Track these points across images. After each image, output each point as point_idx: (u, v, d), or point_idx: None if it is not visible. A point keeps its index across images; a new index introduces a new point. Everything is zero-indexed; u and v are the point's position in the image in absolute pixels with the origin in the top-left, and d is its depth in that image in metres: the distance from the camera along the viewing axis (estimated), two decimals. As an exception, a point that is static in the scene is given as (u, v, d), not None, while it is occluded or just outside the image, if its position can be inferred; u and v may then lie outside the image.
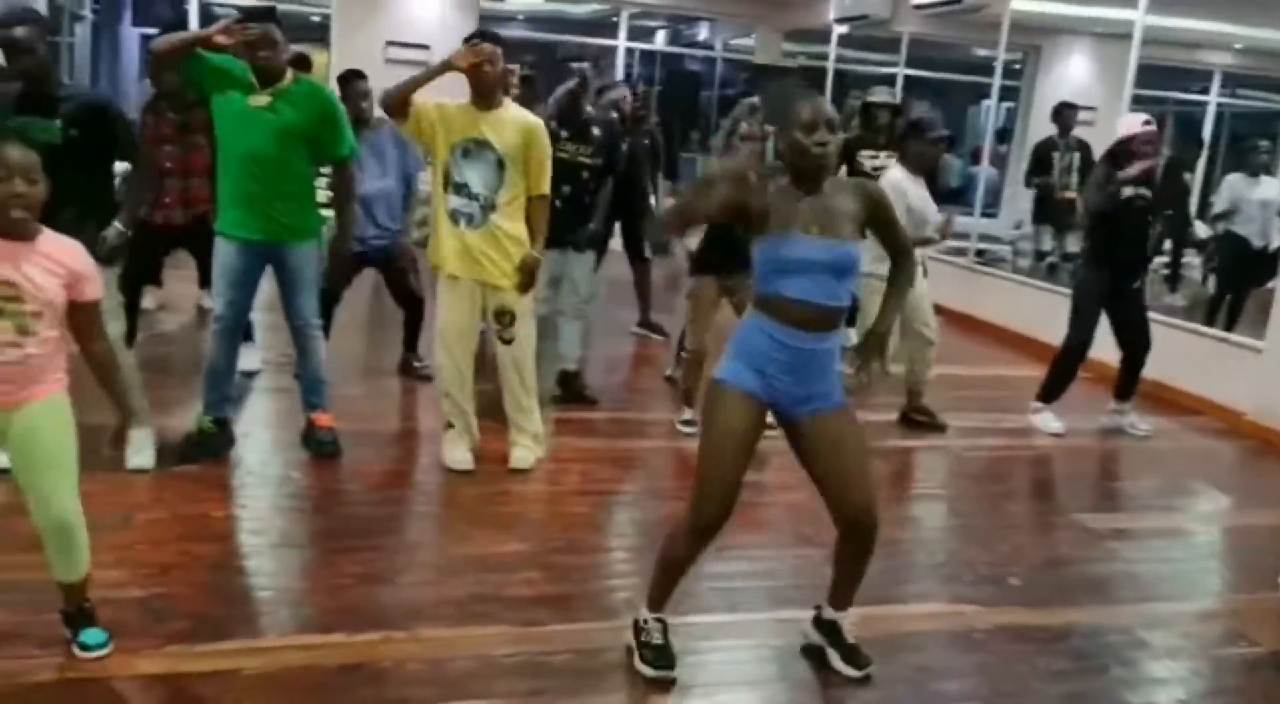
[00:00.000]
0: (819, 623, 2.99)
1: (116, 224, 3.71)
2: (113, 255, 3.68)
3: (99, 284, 2.59)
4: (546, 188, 4.14)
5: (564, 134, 5.06)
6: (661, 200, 5.58)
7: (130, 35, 15.26)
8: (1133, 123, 5.19)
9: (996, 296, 8.07)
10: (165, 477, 3.91)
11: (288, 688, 2.63)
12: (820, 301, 2.58)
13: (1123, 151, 5.09)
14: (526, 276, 4.09)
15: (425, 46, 11.19)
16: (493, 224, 4.02)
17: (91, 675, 2.60)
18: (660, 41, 15.08)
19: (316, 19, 14.27)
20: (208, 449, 4.13)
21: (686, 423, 4.83)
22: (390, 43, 10.93)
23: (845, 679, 2.88)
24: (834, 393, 2.70)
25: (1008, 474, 5.05)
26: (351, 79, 5.40)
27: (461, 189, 4.02)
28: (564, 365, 5.39)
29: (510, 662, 2.82)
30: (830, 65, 11.11)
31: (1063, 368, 5.42)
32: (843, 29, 10.68)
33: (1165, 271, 9.05)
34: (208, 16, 11.16)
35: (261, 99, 3.92)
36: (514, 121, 4.02)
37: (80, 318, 2.56)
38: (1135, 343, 5.36)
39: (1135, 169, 5.01)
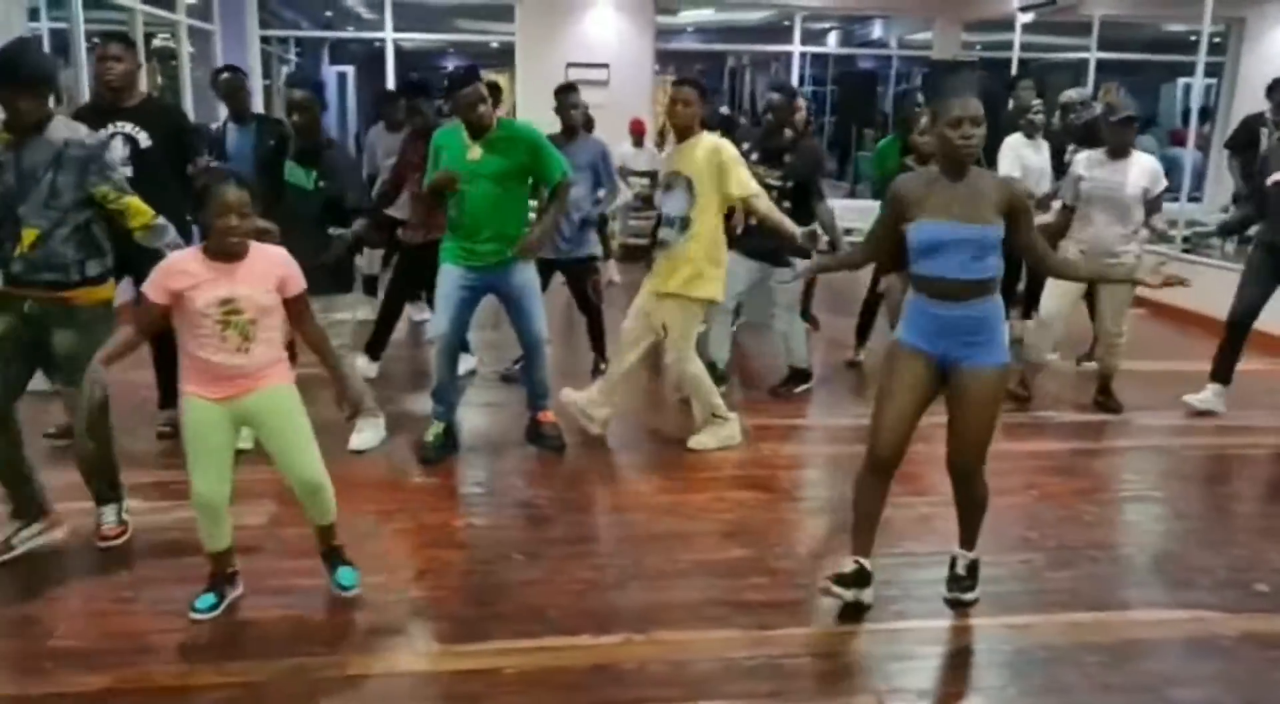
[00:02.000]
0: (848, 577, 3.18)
1: (347, 232, 4.31)
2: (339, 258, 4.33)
3: (301, 279, 3.06)
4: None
5: (754, 157, 5.26)
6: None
7: (329, 74, 16.31)
8: None
9: (1205, 286, 7.63)
10: (404, 487, 4.25)
11: (545, 686, 2.83)
12: (957, 276, 2.96)
13: None
14: None
15: (604, 65, 11.55)
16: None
17: (369, 672, 2.88)
18: (833, 43, 14.99)
19: (495, 45, 14.90)
20: (443, 452, 4.57)
21: None
22: (571, 64, 11.31)
23: (1088, 685, 2.87)
24: (991, 351, 3.04)
25: (1228, 474, 4.82)
26: (566, 91, 5.87)
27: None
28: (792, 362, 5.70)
29: (749, 664, 2.94)
30: (1015, 55, 10.77)
31: (1224, 342, 5.47)
32: (1027, 17, 10.35)
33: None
34: (400, 53, 11.83)
35: (475, 152, 4.35)
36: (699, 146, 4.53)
37: (292, 308, 3.06)
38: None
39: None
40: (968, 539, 3.32)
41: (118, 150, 4.31)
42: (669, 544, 3.74)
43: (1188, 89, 12.72)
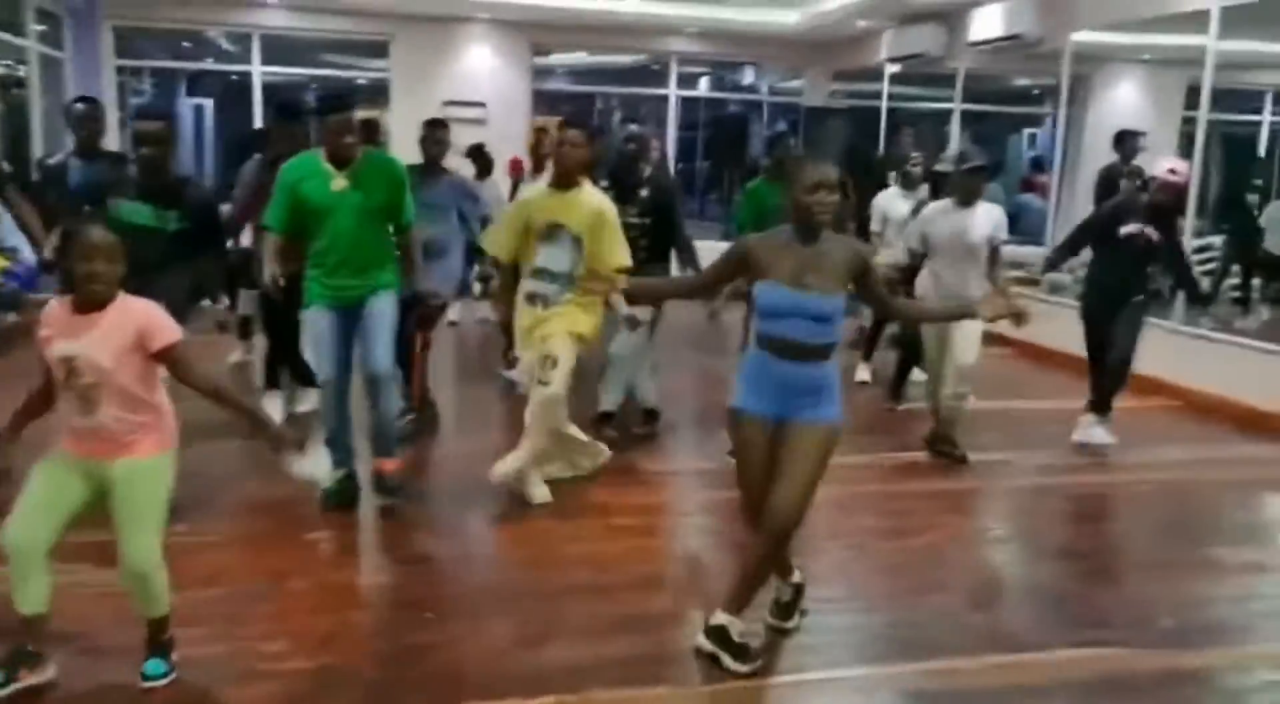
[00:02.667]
0: (709, 630, 3.12)
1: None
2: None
3: (169, 329, 2.77)
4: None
5: (610, 194, 5.08)
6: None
7: (186, 106, 15.65)
8: (1160, 166, 5.49)
9: (1066, 325, 7.99)
10: (301, 544, 4.00)
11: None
12: (800, 339, 2.99)
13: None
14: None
15: (481, 104, 11.45)
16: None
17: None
18: (704, 88, 15.25)
19: (363, 82, 14.61)
20: (345, 499, 4.35)
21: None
22: (447, 102, 11.16)
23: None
24: (824, 408, 3.06)
25: (1117, 510, 5.01)
26: (434, 125, 5.66)
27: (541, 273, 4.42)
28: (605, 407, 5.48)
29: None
30: (883, 104, 11.16)
31: (1090, 375, 5.75)
32: (895, 68, 10.75)
33: (1236, 294, 8.99)
34: (271, 90, 11.46)
35: (340, 182, 4.12)
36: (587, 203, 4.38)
37: (166, 360, 2.78)
38: (1113, 360, 5.60)
39: (1132, 227, 5.44)
40: (736, 602, 3.14)
41: None
42: (589, 598, 3.61)
43: (1032, 138, 13.49)
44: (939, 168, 7.00)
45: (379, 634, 3.31)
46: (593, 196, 4.43)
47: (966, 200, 5.27)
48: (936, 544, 4.27)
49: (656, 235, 5.29)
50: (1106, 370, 5.57)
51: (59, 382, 2.70)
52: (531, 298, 4.48)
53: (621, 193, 5.20)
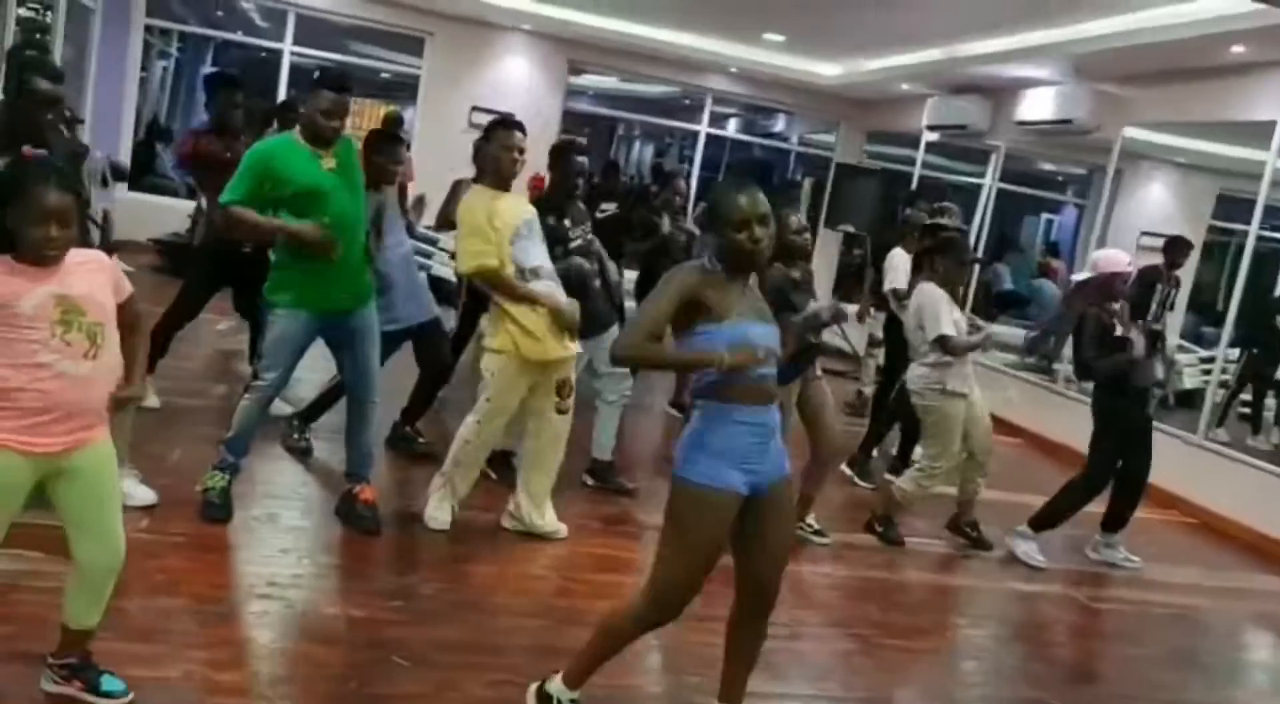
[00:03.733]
0: None
1: None
2: None
3: (126, 283, 2.56)
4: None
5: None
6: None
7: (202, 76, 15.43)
8: (1118, 260, 5.12)
9: (1068, 417, 7.77)
10: (267, 558, 3.70)
11: None
12: (767, 374, 2.65)
13: (1105, 288, 5.03)
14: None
15: (510, 115, 11.20)
16: None
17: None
18: (733, 128, 15.10)
19: (386, 76, 14.41)
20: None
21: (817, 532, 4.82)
22: (476, 107, 10.93)
23: None
24: (784, 459, 2.76)
25: (1121, 631, 4.73)
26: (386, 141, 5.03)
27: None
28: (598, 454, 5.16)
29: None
30: (916, 171, 10.99)
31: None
32: (933, 136, 10.59)
33: (1247, 410, 8.79)
34: (296, 72, 11.22)
35: (330, 161, 3.83)
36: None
37: (124, 314, 2.53)
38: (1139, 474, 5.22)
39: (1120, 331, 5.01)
40: (737, 695, 2.90)
41: None
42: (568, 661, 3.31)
43: (1050, 223, 13.40)
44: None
45: (345, 676, 3.01)
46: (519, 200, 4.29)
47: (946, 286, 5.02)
48: (943, 649, 4.02)
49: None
50: (1130, 486, 5.27)
51: (43, 331, 2.31)
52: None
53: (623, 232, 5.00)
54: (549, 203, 4.70)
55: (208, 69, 15.32)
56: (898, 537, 5.06)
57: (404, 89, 13.74)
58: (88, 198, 2.49)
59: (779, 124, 14.61)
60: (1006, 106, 9.43)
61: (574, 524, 4.48)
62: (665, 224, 6.66)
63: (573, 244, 4.70)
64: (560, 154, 4.92)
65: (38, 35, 9.10)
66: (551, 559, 4.17)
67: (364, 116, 13.71)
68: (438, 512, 4.22)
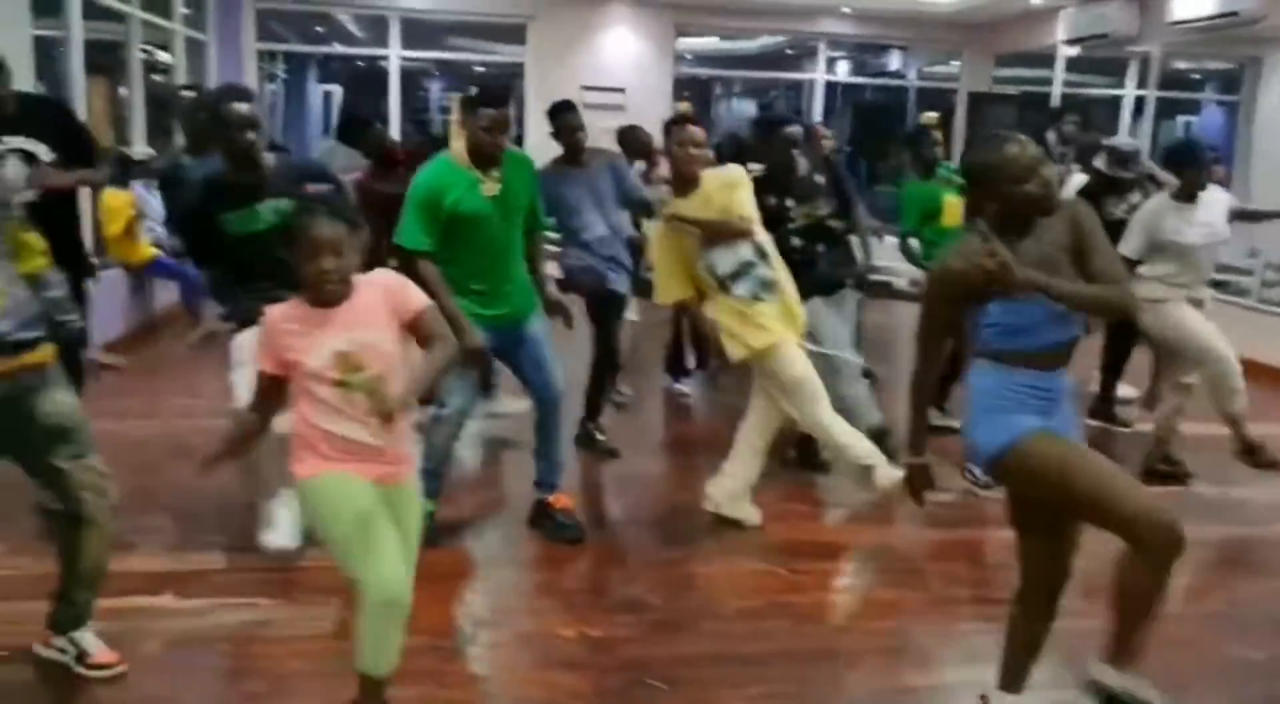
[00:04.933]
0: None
1: None
2: None
3: (419, 293, 2.44)
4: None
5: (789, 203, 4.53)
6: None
7: (315, 91, 15.61)
8: None
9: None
10: (489, 581, 3.57)
11: None
12: (1060, 339, 2.43)
13: None
14: None
15: (620, 89, 10.98)
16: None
17: None
18: (843, 73, 14.55)
19: (482, 69, 14.31)
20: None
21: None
22: (585, 87, 10.72)
23: None
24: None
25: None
26: (562, 111, 4.93)
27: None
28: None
29: None
30: (1056, 90, 10.33)
31: None
32: (1071, 51, 9.91)
33: None
34: (414, 78, 11.18)
35: (492, 186, 3.62)
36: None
37: (419, 331, 2.40)
38: None
39: None
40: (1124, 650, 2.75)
41: (13, 171, 3.61)
42: (829, 668, 3.09)
43: (1188, 126, 12.48)
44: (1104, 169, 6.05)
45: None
46: (713, 181, 3.94)
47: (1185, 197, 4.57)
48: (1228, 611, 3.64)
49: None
50: None
51: (325, 389, 2.27)
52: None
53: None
54: (768, 181, 4.41)
55: (317, 86, 15.58)
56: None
57: (506, 80, 13.66)
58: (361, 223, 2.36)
59: (893, 62, 14.00)
60: (1155, 7, 8.73)
61: (777, 508, 4.24)
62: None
63: (794, 224, 4.41)
64: (770, 130, 4.62)
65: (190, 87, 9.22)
66: (767, 551, 3.93)
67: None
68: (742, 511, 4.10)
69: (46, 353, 2.68)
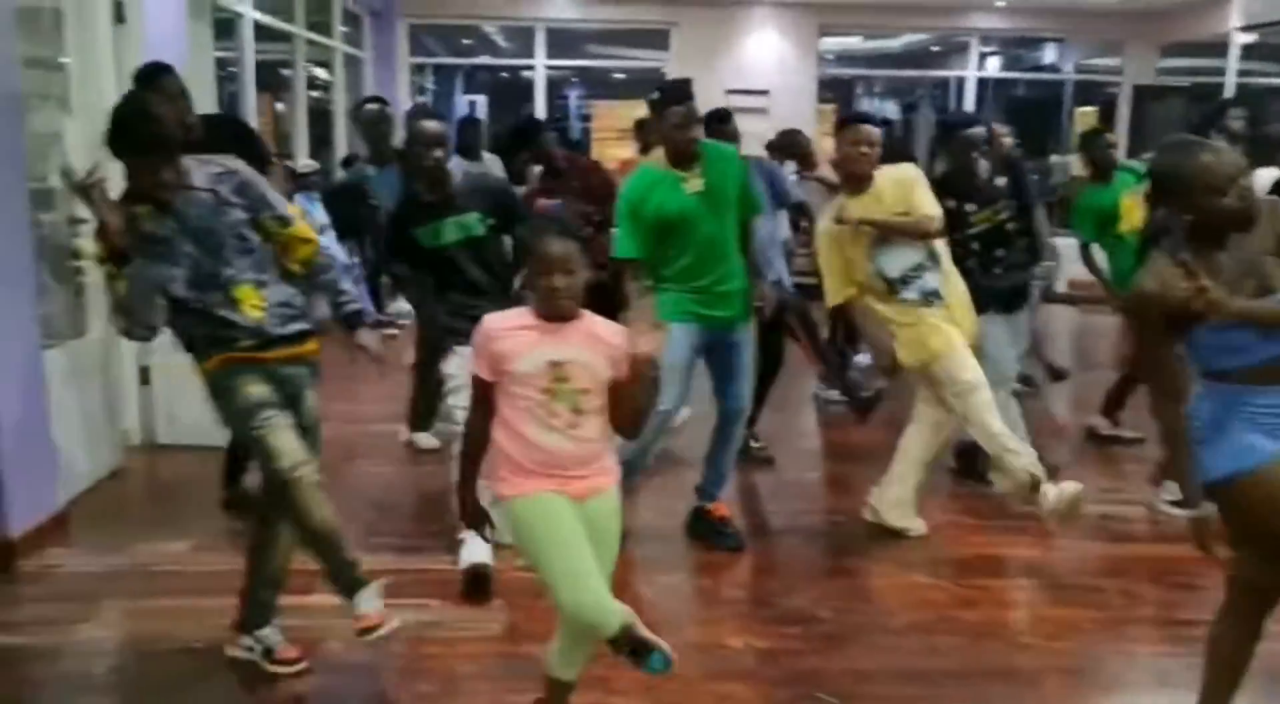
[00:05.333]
0: None
1: None
2: None
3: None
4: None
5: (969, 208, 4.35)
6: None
7: (462, 103, 16.03)
8: None
9: None
10: (650, 590, 3.56)
11: None
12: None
13: None
14: None
15: (764, 92, 10.90)
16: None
17: None
18: (993, 68, 14.09)
19: (621, 76, 14.40)
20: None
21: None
22: (730, 91, 10.67)
23: None
24: None
25: None
26: (717, 121, 4.79)
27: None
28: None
29: None
30: (1229, 80, 9.76)
31: None
32: (1247, 38, 9.34)
33: None
34: (553, 87, 11.35)
35: (695, 182, 3.62)
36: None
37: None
38: None
39: None
40: None
41: None
42: (1007, 688, 2.96)
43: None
44: None
45: (768, 721, 2.79)
46: (885, 179, 3.83)
47: None
48: None
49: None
50: None
51: (532, 397, 2.30)
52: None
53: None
54: (947, 184, 4.30)
55: (462, 97, 15.98)
56: None
57: (641, 86, 13.73)
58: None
59: (1049, 55, 13.47)
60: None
61: (940, 520, 4.12)
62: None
63: (973, 229, 4.25)
64: (951, 132, 4.51)
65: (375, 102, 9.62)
66: (934, 564, 3.81)
67: (603, 117, 13.82)
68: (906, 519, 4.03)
69: (310, 346, 2.89)
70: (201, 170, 2.76)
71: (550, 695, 2.52)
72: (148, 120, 2.65)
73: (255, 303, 2.75)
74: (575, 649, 2.42)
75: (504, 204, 3.75)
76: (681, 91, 3.62)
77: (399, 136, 4.66)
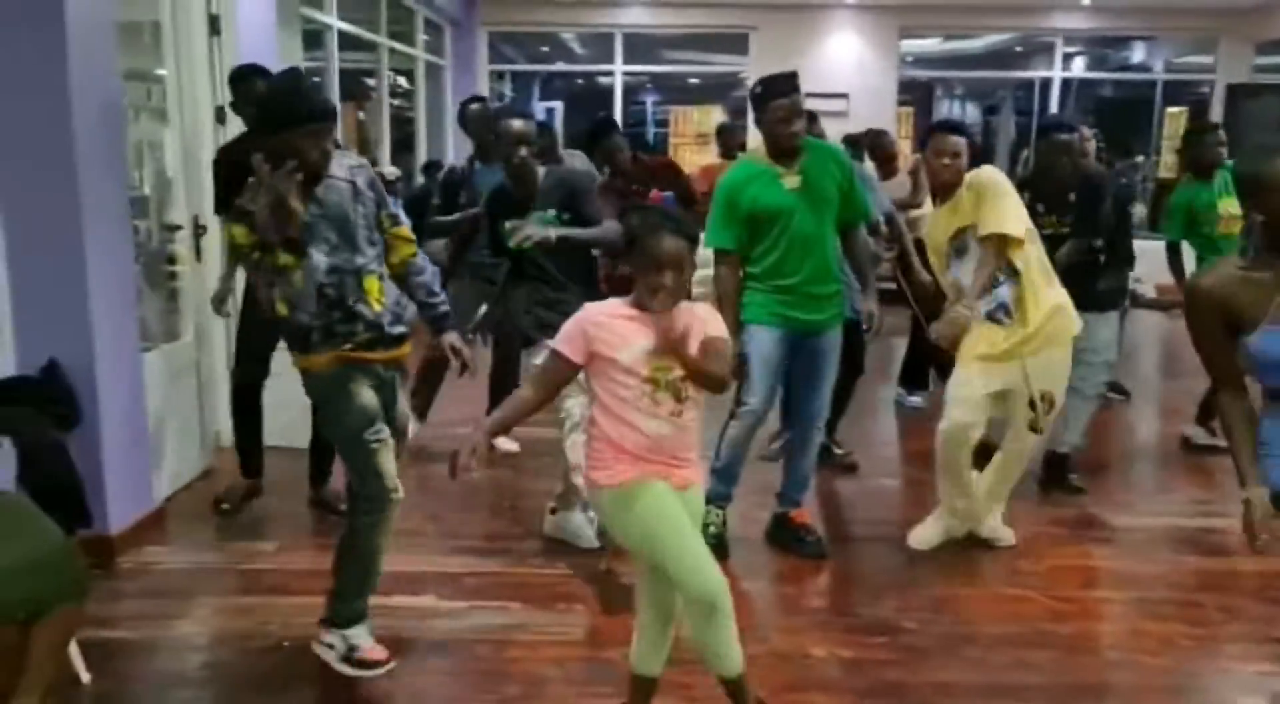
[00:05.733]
0: None
1: None
2: None
3: (722, 323, 2.49)
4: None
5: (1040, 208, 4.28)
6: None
7: (539, 109, 16.18)
8: None
9: None
10: (743, 600, 3.52)
11: None
12: None
13: None
14: None
15: (844, 95, 10.79)
16: None
17: None
18: (1079, 68, 13.76)
19: (695, 81, 14.38)
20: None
21: None
22: (809, 94, 10.55)
23: None
24: None
25: None
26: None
27: None
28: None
29: None
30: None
31: None
32: (1350, 33, 8.99)
33: None
34: (629, 92, 11.37)
35: (793, 179, 3.59)
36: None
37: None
38: None
39: None
40: None
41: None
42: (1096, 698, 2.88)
43: None
44: None
45: (855, 731, 2.76)
46: (965, 188, 3.71)
47: None
48: None
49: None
50: None
51: (636, 387, 2.32)
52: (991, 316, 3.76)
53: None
54: (1027, 184, 4.26)
55: (539, 104, 16.13)
56: None
57: (718, 90, 13.69)
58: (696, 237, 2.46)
59: (1137, 54, 13.12)
60: None
61: (1028, 531, 4.03)
62: None
63: (1042, 231, 4.10)
64: (1041, 134, 4.48)
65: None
66: (1024, 575, 3.72)
67: (680, 121, 13.83)
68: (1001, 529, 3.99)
69: (407, 349, 2.98)
70: (339, 160, 2.82)
71: (634, 696, 2.54)
72: (312, 89, 2.75)
73: (378, 296, 2.84)
74: (714, 637, 2.38)
75: (578, 197, 3.77)
76: (787, 84, 3.58)
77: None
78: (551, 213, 3.70)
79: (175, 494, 4.34)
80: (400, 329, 2.91)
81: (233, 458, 4.35)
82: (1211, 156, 4.91)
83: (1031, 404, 3.70)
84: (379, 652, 2.96)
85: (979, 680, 2.98)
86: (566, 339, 2.36)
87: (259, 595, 3.48)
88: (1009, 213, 3.64)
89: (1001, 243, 3.62)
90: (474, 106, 5.40)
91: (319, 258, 2.73)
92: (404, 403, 3.00)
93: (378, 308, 2.82)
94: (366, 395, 2.82)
